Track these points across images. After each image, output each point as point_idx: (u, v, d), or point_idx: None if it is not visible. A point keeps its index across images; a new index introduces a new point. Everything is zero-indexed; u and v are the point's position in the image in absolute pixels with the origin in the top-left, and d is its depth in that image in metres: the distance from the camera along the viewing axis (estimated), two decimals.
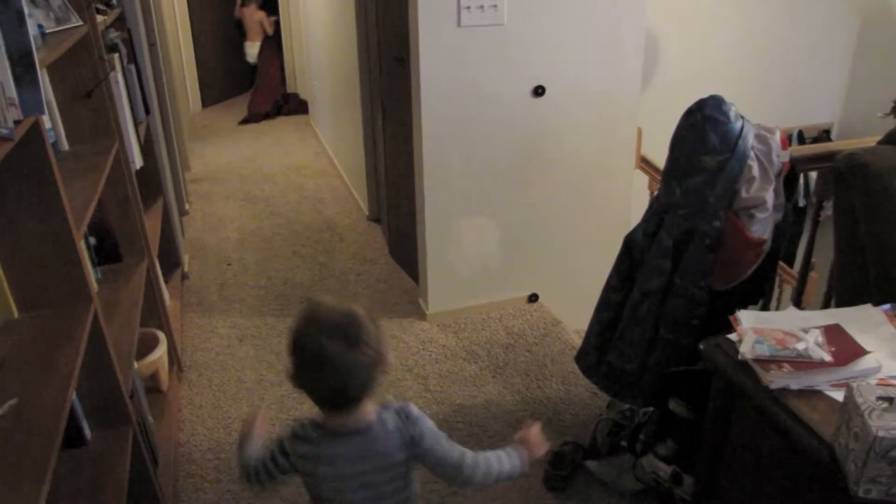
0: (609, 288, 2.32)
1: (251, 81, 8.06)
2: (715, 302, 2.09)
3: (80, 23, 2.38)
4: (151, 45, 4.25)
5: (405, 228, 3.78)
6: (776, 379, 1.47)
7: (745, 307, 2.15)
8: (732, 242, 2.01)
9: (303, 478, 1.53)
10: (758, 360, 1.53)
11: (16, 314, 1.75)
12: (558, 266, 3.55)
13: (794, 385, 1.47)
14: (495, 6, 2.97)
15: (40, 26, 2.14)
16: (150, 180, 3.60)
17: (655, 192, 3.95)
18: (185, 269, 4.05)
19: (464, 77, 3.05)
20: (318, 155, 6.23)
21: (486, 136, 3.18)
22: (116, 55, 2.91)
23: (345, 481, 1.47)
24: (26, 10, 1.48)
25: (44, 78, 2.20)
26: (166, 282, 3.61)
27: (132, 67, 3.36)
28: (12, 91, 1.43)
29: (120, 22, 3.41)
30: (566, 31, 3.11)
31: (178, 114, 5.58)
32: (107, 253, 2.74)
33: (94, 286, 1.91)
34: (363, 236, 4.46)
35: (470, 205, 3.30)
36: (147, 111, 3.56)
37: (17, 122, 1.43)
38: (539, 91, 3.16)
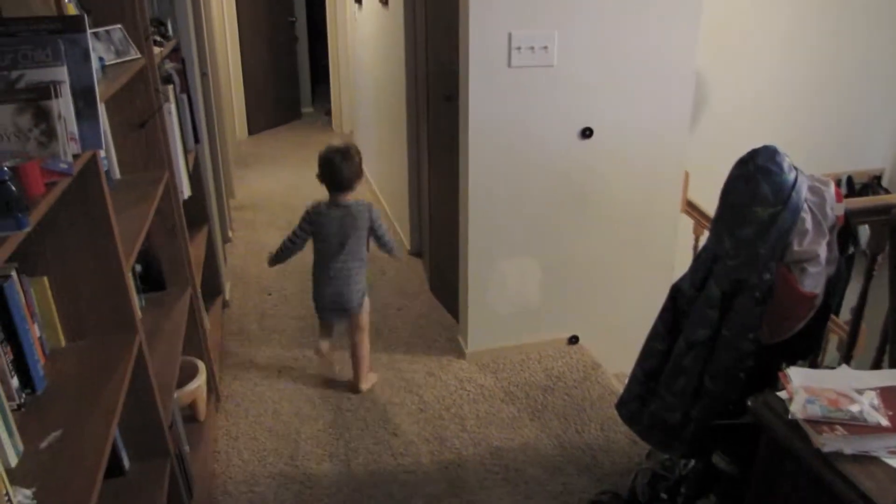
0: (654, 336, 2.28)
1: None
2: (763, 355, 2.04)
3: (139, 55, 2.43)
4: (203, 74, 4.33)
5: (447, 265, 3.78)
6: (829, 442, 1.43)
7: (794, 362, 2.10)
8: (783, 296, 1.97)
9: (313, 236, 3.15)
10: (809, 421, 1.48)
11: (63, 343, 1.77)
12: (600, 308, 3.51)
13: (848, 449, 1.42)
14: (546, 48, 2.97)
15: (101, 59, 2.19)
16: (196, 208, 3.64)
17: (701, 238, 3.91)
18: (227, 297, 4.09)
19: (512, 117, 3.06)
20: (362, 187, 6.27)
21: (533, 176, 3.18)
22: (171, 86, 2.97)
23: (333, 231, 3.07)
24: (91, 46, 1.51)
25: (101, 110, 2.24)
26: (207, 310, 3.64)
27: (184, 97, 3.42)
28: (73, 126, 1.45)
29: (175, 52, 3.48)
30: (615, 72, 3.10)
31: (225, 141, 5.67)
32: (152, 281, 2.76)
33: (139, 316, 1.92)
34: (404, 270, 4.46)
35: (513, 244, 3.29)
36: (197, 140, 3.62)
37: (75, 157, 1.45)
38: (587, 133, 3.15)
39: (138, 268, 2.63)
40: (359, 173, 3.08)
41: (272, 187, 6.33)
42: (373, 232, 3.10)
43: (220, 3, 7.04)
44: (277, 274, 4.43)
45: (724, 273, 2.04)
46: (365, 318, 3.21)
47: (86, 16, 1.56)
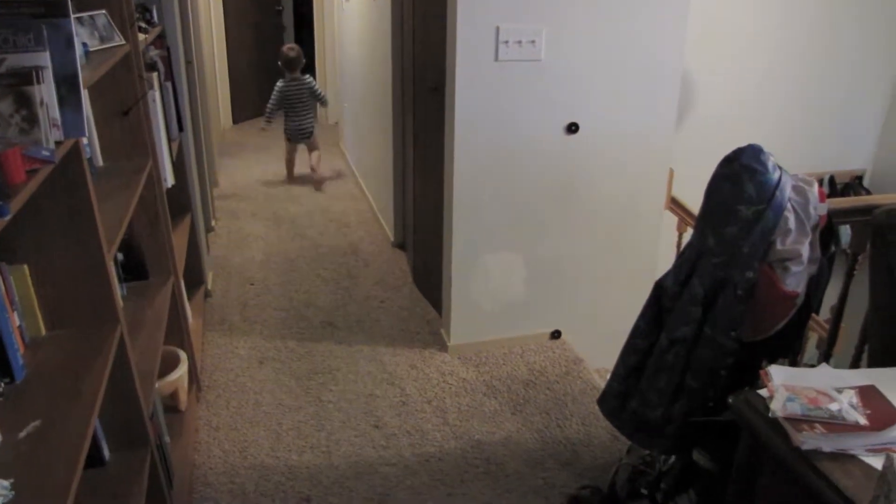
0: (636, 333, 2.29)
1: None
2: (744, 353, 2.06)
3: (123, 42, 2.41)
4: (188, 62, 4.30)
5: (430, 258, 3.77)
6: (808, 440, 1.44)
7: (774, 360, 2.12)
8: (765, 294, 1.98)
9: (284, 99, 6.01)
10: (789, 419, 1.50)
11: (43, 331, 1.75)
12: (583, 303, 3.52)
13: (827, 447, 1.43)
14: (533, 42, 2.97)
15: (84, 45, 2.16)
16: (178, 197, 3.62)
17: (685, 236, 3.93)
18: (209, 286, 4.06)
19: (498, 110, 3.05)
20: (345, 179, 6.26)
21: (518, 171, 3.18)
22: (155, 74, 2.94)
23: (293, 93, 5.96)
24: (74, 31, 1.49)
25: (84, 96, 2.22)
26: (189, 299, 3.61)
27: (169, 85, 3.40)
28: (56, 112, 1.44)
29: (159, 39, 3.44)
30: (602, 68, 3.11)
31: (209, 130, 5.63)
32: (133, 270, 2.73)
33: (121, 306, 1.91)
34: (387, 263, 4.46)
35: (497, 238, 3.29)
36: (181, 128, 3.59)
37: (57, 143, 1.44)
38: (573, 128, 3.16)
39: (120, 256, 2.60)
40: (302, 59, 6.02)
41: (256, 177, 6.30)
42: (313, 93, 6.09)
43: None
44: (260, 264, 4.42)
45: (708, 271, 2.05)
46: (317, 140, 6.18)
47: (69, 0, 1.54)
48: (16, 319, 1.62)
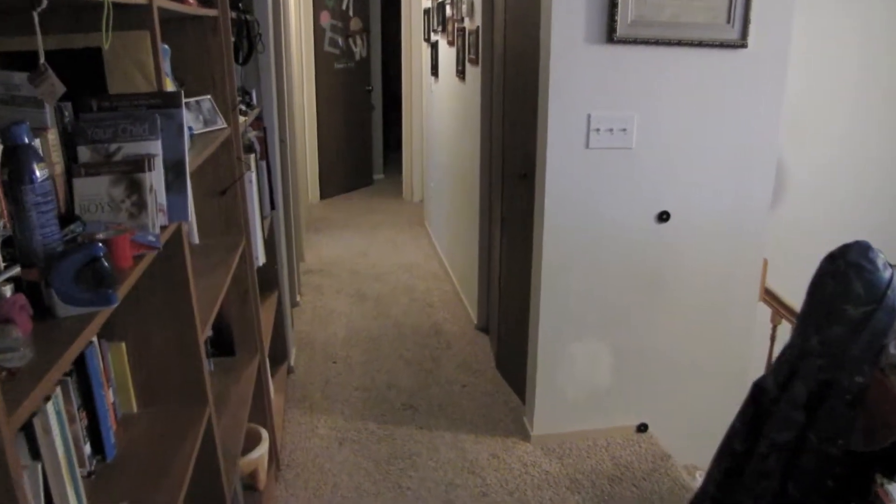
0: (732, 435, 2.17)
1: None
2: (855, 463, 1.93)
3: (225, 125, 2.50)
4: (282, 141, 4.44)
5: (514, 343, 3.72)
6: None
7: (893, 474, 1.98)
8: (878, 402, 1.86)
9: None
10: None
11: (135, 409, 1.77)
12: (670, 396, 3.40)
13: None
14: (624, 129, 2.96)
15: (189, 128, 2.24)
16: (267, 273, 3.69)
17: (779, 328, 3.77)
18: (292, 363, 4.09)
19: (588, 198, 3.03)
20: (429, 257, 6.30)
21: (607, 258, 3.13)
22: (252, 154, 3.03)
23: None
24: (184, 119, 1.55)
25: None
26: (273, 375, 3.63)
27: (263, 164, 3.50)
28: (163, 197, 1.48)
29: (258, 120, 3.57)
30: (695, 156, 3.06)
31: (298, 206, 5.77)
32: (222, 346, 2.76)
33: (210, 386, 1.92)
34: (470, 345, 4.42)
35: (585, 326, 3.22)
36: (273, 206, 3.68)
37: (162, 228, 1.47)
38: (664, 216, 3.10)
39: (209, 333, 2.64)
40: None
41: (341, 253, 6.40)
42: None
43: (301, 71, 7.27)
44: (343, 342, 4.44)
45: (812, 373, 1.94)
46: None
47: (182, 92, 1.60)
48: (111, 396, 1.64)
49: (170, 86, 1.90)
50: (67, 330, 1.10)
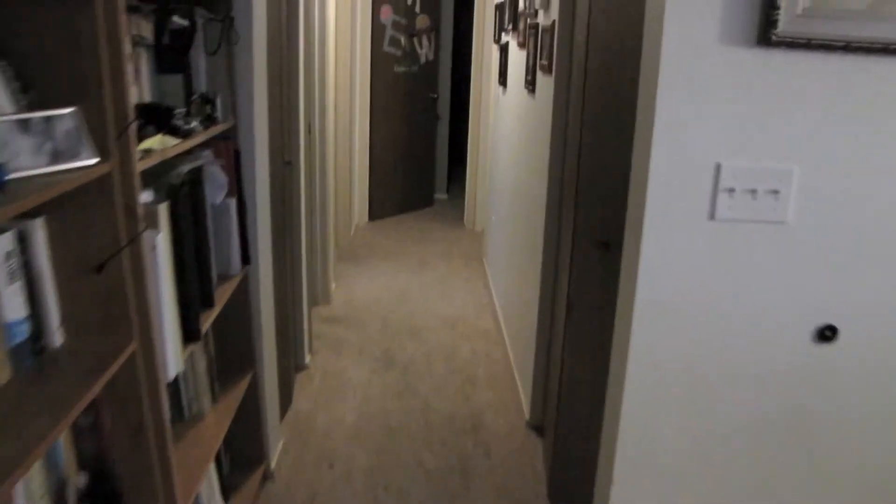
0: None
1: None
2: None
3: (96, 159, 1.47)
4: (287, 163, 3.39)
5: (577, 468, 2.57)
6: None
7: None
8: None
9: None
10: None
11: None
12: None
13: None
14: (776, 192, 1.78)
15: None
16: (236, 346, 2.71)
17: None
18: (273, 465, 3.03)
19: (705, 295, 1.87)
20: (481, 308, 5.12)
21: (726, 391, 1.96)
22: (166, 203, 1.96)
23: None
24: None
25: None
26: (238, 485, 2.68)
27: (233, 202, 2.47)
28: None
29: (225, 140, 2.51)
30: (882, 238, 1.86)
31: (327, 238, 4.74)
32: (103, 497, 1.80)
33: None
34: (518, 454, 3.25)
35: (681, 478, 2.05)
36: (246, 261, 2.63)
37: None
38: (826, 333, 1.91)
39: (82, 480, 1.72)
40: None
41: (377, 294, 5.31)
42: None
43: (350, 74, 6.24)
44: (349, 433, 3.35)
45: None
46: None
47: None
48: None
49: None
50: None
